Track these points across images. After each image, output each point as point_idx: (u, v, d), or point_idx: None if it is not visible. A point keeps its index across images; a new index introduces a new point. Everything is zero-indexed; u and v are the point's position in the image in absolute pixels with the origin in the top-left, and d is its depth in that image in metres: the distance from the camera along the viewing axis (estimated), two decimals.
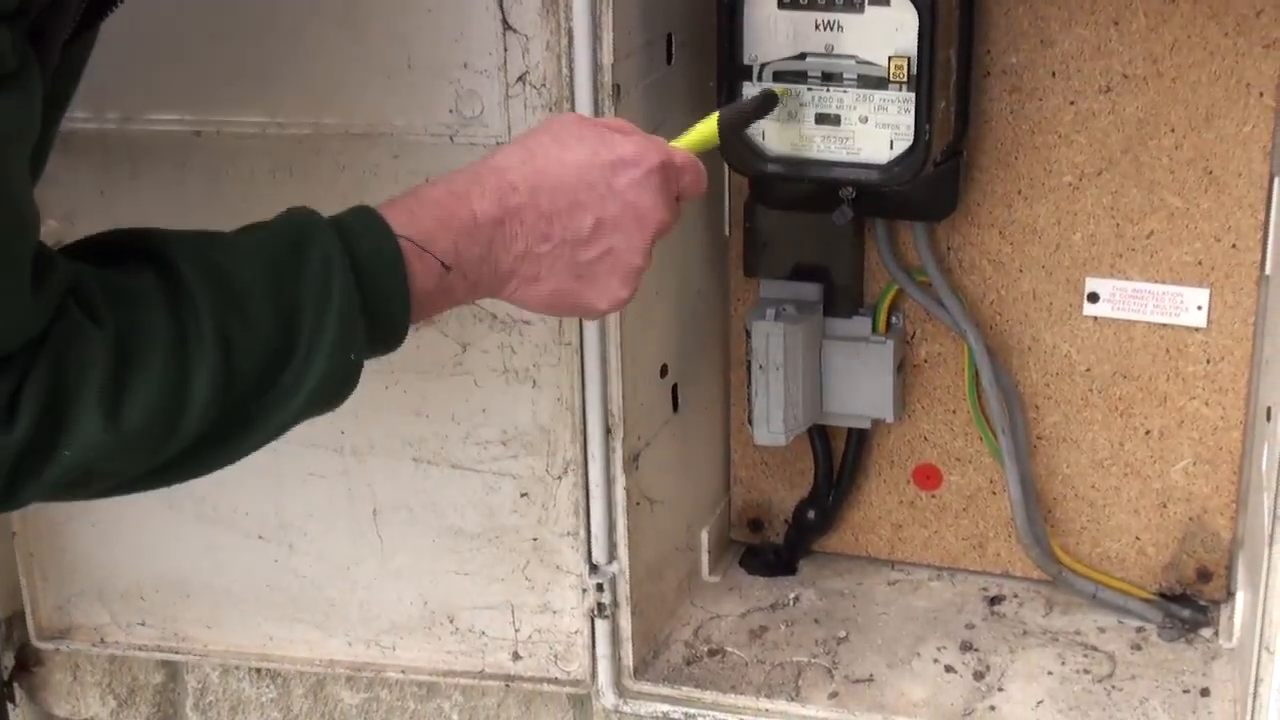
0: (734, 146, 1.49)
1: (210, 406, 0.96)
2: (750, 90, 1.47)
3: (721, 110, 1.31)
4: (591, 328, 1.48)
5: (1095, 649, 1.63)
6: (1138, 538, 1.68)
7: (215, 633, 1.69)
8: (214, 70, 1.48)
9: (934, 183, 1.52)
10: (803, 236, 1.62)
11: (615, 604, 1.57)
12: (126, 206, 1.54)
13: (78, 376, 0.92)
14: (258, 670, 1.76)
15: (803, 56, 1.46)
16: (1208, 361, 1.60)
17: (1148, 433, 1.64)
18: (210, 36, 1.47)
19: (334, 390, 1.02)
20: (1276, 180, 1.53)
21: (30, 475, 0.93)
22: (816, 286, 1.63)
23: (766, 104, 1.43)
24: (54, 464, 0.93)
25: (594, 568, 1.56)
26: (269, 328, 0.98)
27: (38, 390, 0.91)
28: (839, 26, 1.44)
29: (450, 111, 1.44)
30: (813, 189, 1.51)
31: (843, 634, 1.66)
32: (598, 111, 1.41)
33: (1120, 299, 1.60)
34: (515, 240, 1.08)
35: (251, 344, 0.97)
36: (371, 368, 1.55)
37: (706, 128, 1.29)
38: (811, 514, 1.75)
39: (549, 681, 1.62)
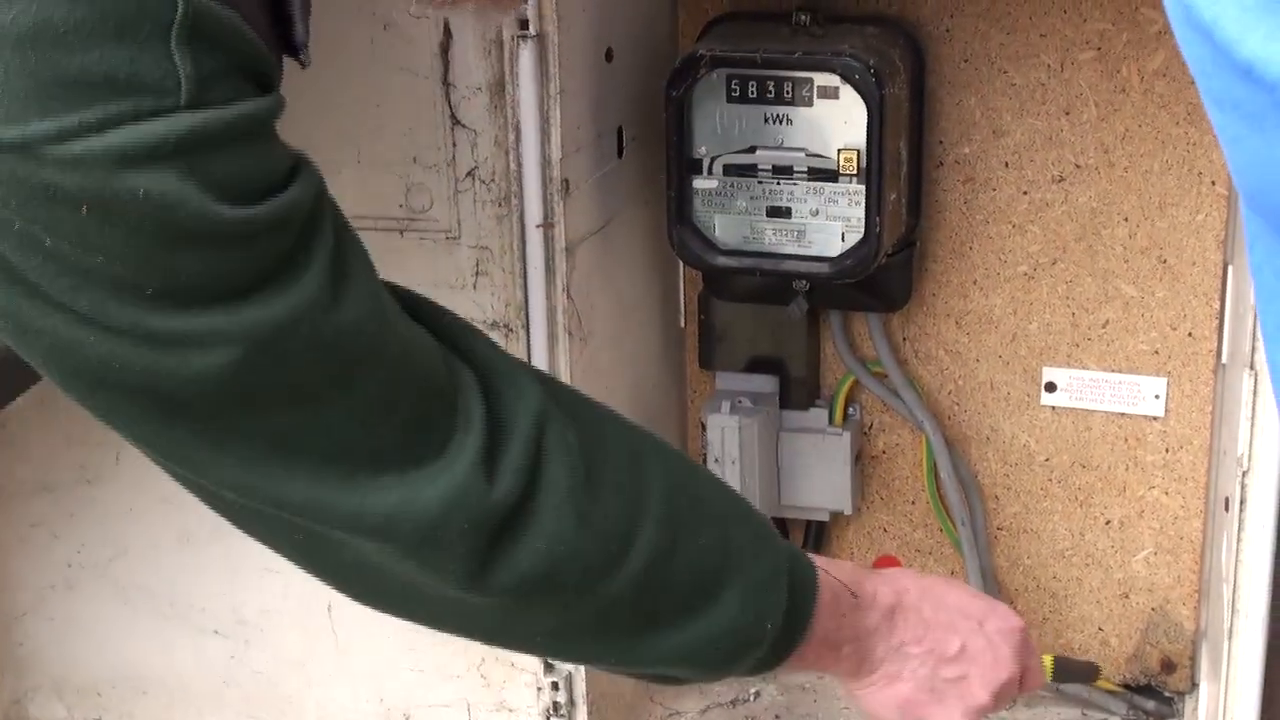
0: (685, 239, 1.49)
1: (646, 561, 0.97)
2: (703, 183, 1.47)
3: (1058, 659, 1.39)
4: None
5: None
6: (1100, 629, 1.66)
7: None
8: None
9: (887, 274, 1.52)
10: (758, 329, 1.61)
11: (571, 703, 1.55)
12: None
13: (559, 469, 0.93)
14: None
15: (753, 149, 1.46)
16: (1167, 450, 1.59)
17: (1108, 522, 1.63)
18: None
19: (723, 652, 1.03)
20: (1230, 269, 1.52)
21: (505, 551, 0.92)
22: (772, 379, 1.62)
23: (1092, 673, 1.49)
24: (525, 549, 0.92)
25: (549, 666, 1.54)
26: (707, 545, 1.01)
27: (521, 459, 0.92)
28: (788, 120, 1.44)
29: (400, 206, 1.44)
30: (766, 282, 1.51)
31: None
32: (547, 207, 1.42)
33: (1078, 388, 1.60)
34: (895, 632, 1.14)
35: (689, 550, 0.99)
36: None
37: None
38: None
39: None
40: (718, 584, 1.01)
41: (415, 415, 0.90)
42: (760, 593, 1.03)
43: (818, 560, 1.10)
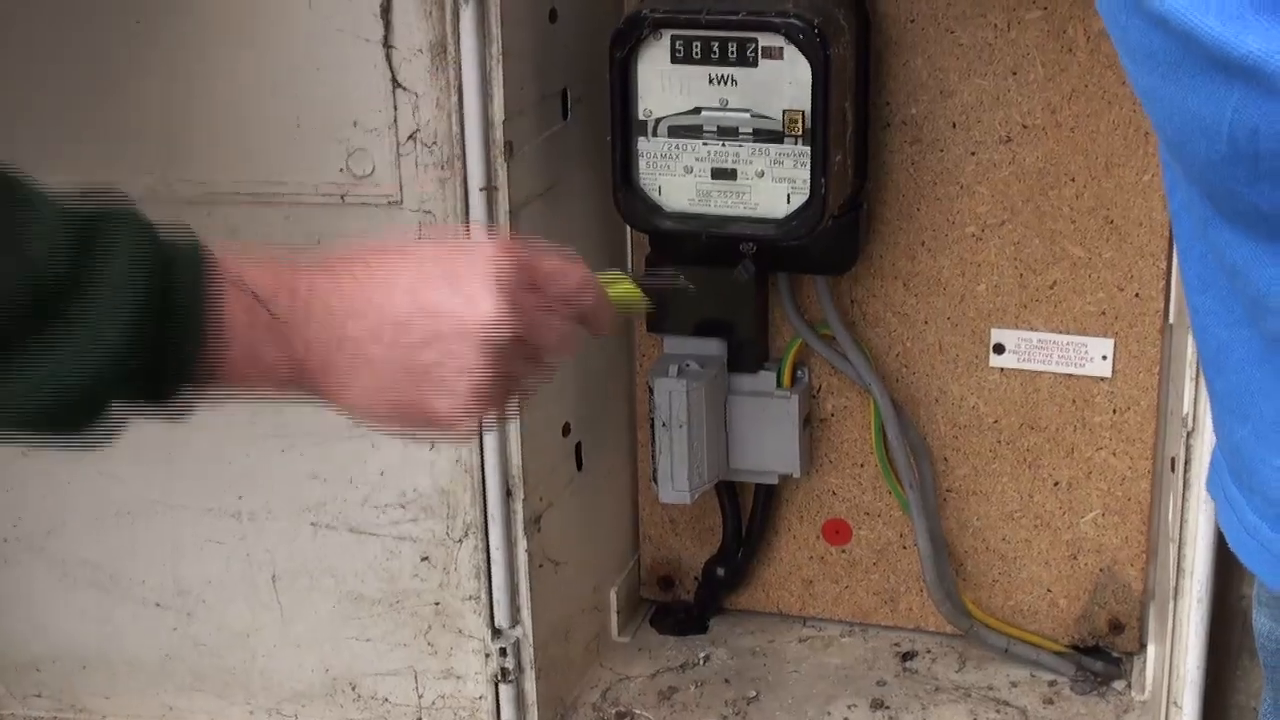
0: (630, 202, 1.47)
1: None
2: (646, 145, 1.45)
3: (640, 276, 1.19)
4: None
5: (1008, 704, 1.61)
6: (1049, 590, 1.66)
7: (113, 703, 1.65)
8: (102, 132, 1.45)
9: (834, 236, 1.51)
10: (705, 292, 1.59)
11: (519, 668, 1.54)
12: None
13: None
14: None
15: (697, 110, 1.44)
16: (1114, 411, 1.59)
17: (1056, 484, 1.63)
18: (97, 97, 1.44)
19: (72, 402, 0.84)
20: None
21: None
22: (720, 342, 1.61)
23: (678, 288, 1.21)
24: None
25: (497, 632, 1.53)
26: (38, 265, 0.83)
27: None
28: (733, 80, 1.43)
29: (341, 170, 1.42)
30: (712, 244, 1.49)
31: (753, 693, 1.64)
32: (490, 170, 1.40)
33: (1026, 350, 1.59)
34: (332, 313, 0.93)
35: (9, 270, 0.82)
36: (267, 431, 1.53)
37: (625, 287, 1.05)
38: (721, 571, 1.72)
39: None
40: (46, 335, 0.83)
41: None
42: (119, 332, 0.83)
43: (220, 249, 0.88)
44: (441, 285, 0.93)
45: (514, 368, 0.94)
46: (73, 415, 0.84)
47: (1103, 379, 1.58)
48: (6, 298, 0.81)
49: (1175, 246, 0.75)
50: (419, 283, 0.94)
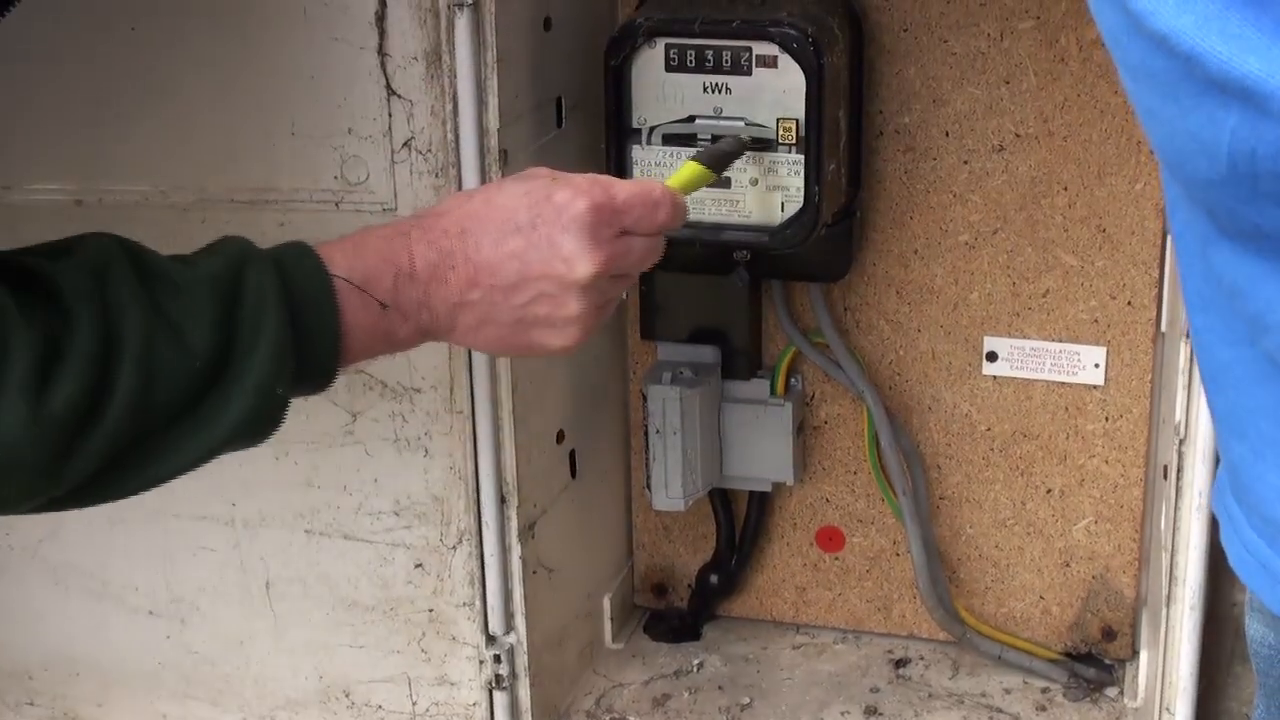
0: None
1: (125, 421, 0.93)
2: (640, 153, 1.46)
3: (699, 153, 1.33)
4: (483, 394, 1.45)
5: (1001, 711, 1.61)
6: (1042, 597, 1.67)
7: (106, 711, 1.65)
8: (96, 138, 1.45)
9: (827, 244, 1.51)
10: (700, 299, 1.60)
11: (514, 675, 1.54)
12: None
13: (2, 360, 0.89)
14: None
15: (692, 119, 1.44)
16: (1106, 419, 1.59)
17: (1049, 491, 1.63)
18: (92, 104, 1.44)
19: (258, 425, 0.99)
20: (1170, 238, 1.52)
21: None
22: (714, 349, 1.61)
23: (742, 147, 1.40)
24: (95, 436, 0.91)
25: (491, 639, 1.53)
26: (197, 353, 0.95)
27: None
28: (727, 89, 1.43)
29: (335, 178, 1.42)
30: (707, 252, 1.49)
31: (746, 700, 1.64)
32: (484, 177, 1.40)
33: (1018, 358, 1.60)
34: (449, 286, 1.06)
35: (176, 369, 0.94)
36: None
37: (689, 169, 1.28)
38: (715, 578, 1.73)
39: None
40: (214, 394, 0.96)
41: None
42: (270, 374, 0.96)
43: (334, 255, 1.02)
44: (542, 247, 1.07)
45: (609, 293, 1.10)
46: (264, 432, 1.00)
47: (1095, 387, 1.59)
48: (176, 386, 0.93)
49: (1177, 266, 0.75)
50: (524, 250, 1.06)
